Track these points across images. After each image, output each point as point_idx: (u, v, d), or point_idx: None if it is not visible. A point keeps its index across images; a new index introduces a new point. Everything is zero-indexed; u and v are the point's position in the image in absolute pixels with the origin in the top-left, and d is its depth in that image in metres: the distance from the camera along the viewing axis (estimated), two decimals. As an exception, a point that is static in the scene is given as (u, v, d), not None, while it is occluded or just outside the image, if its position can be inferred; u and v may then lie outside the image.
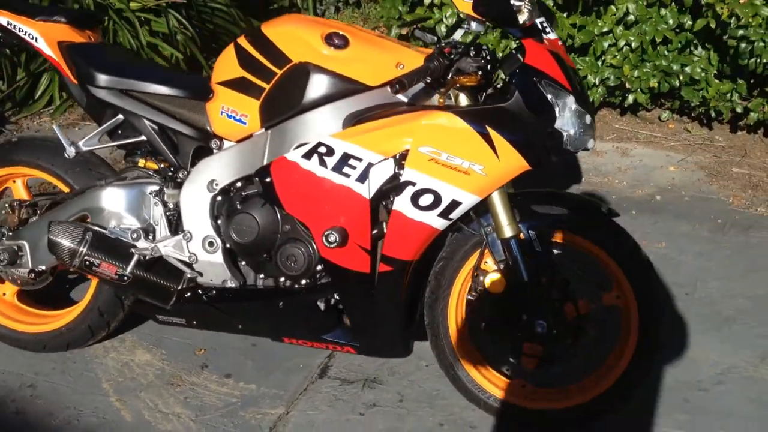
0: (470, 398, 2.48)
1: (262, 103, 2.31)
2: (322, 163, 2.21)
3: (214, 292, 2.46)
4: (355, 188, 2.20)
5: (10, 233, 2.61)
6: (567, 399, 2.44)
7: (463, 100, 2.22)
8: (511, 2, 2.02)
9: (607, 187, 4.11)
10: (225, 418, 2.51)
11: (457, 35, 2.22)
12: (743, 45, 3.97)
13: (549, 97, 2.10)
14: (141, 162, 2.55)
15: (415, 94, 2.26)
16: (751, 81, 4.27)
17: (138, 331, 2.90)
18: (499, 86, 2.29)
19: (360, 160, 2.18)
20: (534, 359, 2.38)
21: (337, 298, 2.40)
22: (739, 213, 3.85)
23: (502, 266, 2.30)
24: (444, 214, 2.18)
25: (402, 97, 2.25)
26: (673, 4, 4.19)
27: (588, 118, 2.17)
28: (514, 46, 2.30)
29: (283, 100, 2.28)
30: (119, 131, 2.52)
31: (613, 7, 4.24)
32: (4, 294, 2.80)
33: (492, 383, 2.46)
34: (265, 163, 2.32)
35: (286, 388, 2.65)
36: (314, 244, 2.31)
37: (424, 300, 2.45)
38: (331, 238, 2.21)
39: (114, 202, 2.48)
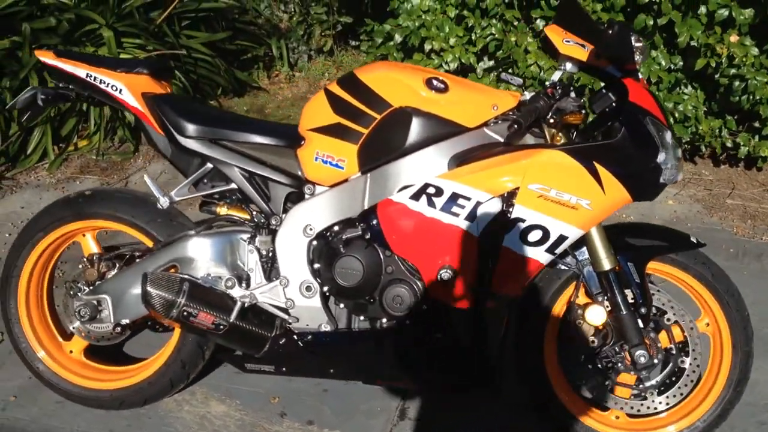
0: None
1: (360, 147, 2.34)
2: (431, 204, 2.26)
3: (310, 336, 2.46)
4: (464, 227, 2.25)
5: (89, 288, 2.55)
6: (661, 427, 2.50)
7: (559, 134, 2.30)
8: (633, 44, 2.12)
9: (617, 221, 4.23)
10: (320, 466, 2.50)
11: (555, 77, 2.30)
12: (737, 83, 4.21)
13: (653, 133, 2.20)
14: (219, 210, 2.54)
15: (509, 135, 2.33)
16: (735, 117, 4.50)
17: (206, 382, 2.85)
18: (586, 124, 2.38)
19: (468, 199, 2.24)
20: (628, 389, 2.45)
21: (436, 336, 2.41)
22: (747, 242, 4.03)
23: (599, 298, 2.36)
24: (551, 249, 2.24)
25: (498, 137, 2.32)
26: (662, 46, 4.38)
27: (679, 152, 2.28)
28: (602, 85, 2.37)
29: (384, 144, 2.32)
30: (205, 180, 2.52)
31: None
32: (71, 351, 2.72)
33: (587, 416, 2.51)
34: (365, 206, 2.35)
35: (370, 431, 2.64)
36: (419, 284, 2.34)
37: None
38: (446, 276, 2.25)
39: (205, 251, 2.46)
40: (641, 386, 2.44)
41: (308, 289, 2.42)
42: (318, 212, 2.40)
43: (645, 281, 2.38)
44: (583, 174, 2.19)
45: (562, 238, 2.23)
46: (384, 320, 2.42)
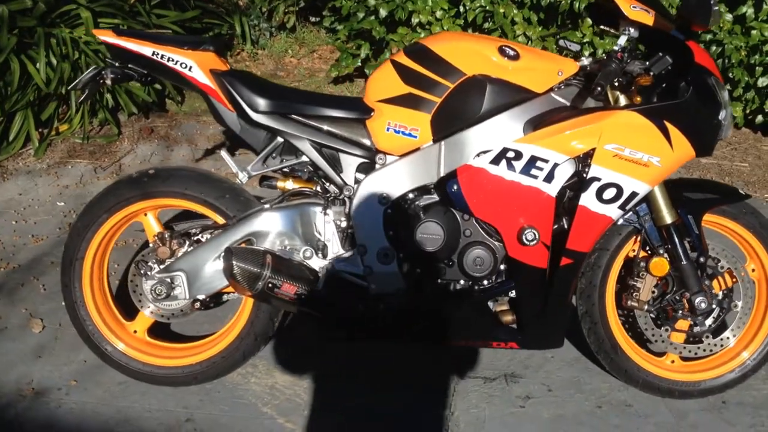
0: (627, 379, 2.68)
1: (433, 116, 2.42)
2: (511, 167, 2.36)
3: (388, 302, 2.53)
4: (542, 188, 2.36)
5: (160, 266, 2.56)
6: (713, 368, 2.68)
7: (622, 99, 2.43)
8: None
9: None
10: (400, 423, 2.59)
11: (621, 41, 2.41)
12: (713, 47, 4.43)
13: (716, 92, 2.34)
14: (280, 185, 2.58)
15: (573, 98, 2.45)
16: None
17: (262, 355, 2.88)
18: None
19: (546, 161, 2.35)
20: (683, 334, 2.62)
21: (510, 295, 2.53)
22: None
23: (661, 251, 2.51)
24: (623, 206, 2.38)
25: (564, 101, 2.43)
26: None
27: (731, 110, 2.43)
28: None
29: (459, 112, 2.41)
30: (273, 155, 2.55)
31: (588, 19, 4.57)
32: (135, 331, 2.72)
33: (647, 362, 2.66)
34: (442, 173, 2.43)
35: (438, 391, 2.75)
36: (498, 245, 2.44)
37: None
38: (530, 236, 2.36)
39: (280, 223, 2.50)
40: (696, 330, 2.61)
41: (386, 256, 2.49)
42: (392, 181, 2.47)
43: (702, 232, 2.54)
44: (655, 132, 2.33)
45: (633, 195, 2.37)
46: (461, 282, 2.52)
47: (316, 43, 6.41)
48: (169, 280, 2.54)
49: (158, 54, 2.47)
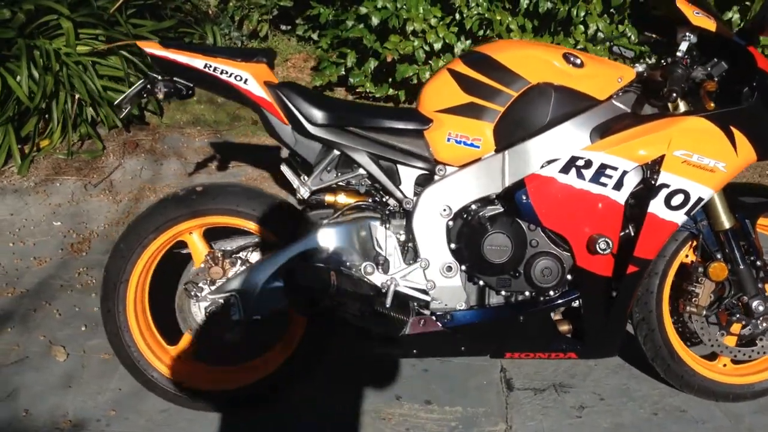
0: (682, 385, 2.68)
1: (496, 125, 2.38)
2: (580, 176, 2.33)
3: (449, 316, 2.48)
4: (612, 196, 2.35)
5: (213, 287, 2.45)
6: (766, 370, 2.70)
7: (681, 106, 2.43)
8: None
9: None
10: (459, 442, 2.53)
11: (683, 47, 2.41)
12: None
13: None
14: (329, 198, 2.50)
15: (633, 105, 2.44)
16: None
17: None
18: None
19: (616, 169, 2.33)
20: (735, 337, 2.63)
21: (574, 305, 2.50)
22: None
23: (718, 255, 2.52)
24: (689, 212, 2.38)
25: (624, 108, 2.43)
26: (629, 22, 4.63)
27: None
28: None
29: (524, 121, 2.37)
30: (328, 168, 2.47)
31: (581, 26, 4.61)
32: (179, 356, 2.60)
33: (702, 366, 2.67)
34: (506, 183, 2.39)
35: (489, 404, 2.71)
36: (566, 255, 2.41)
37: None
38: (603, 246, 2.34)
39: (339, 239, 2.42)
40: (749, 333, 2.62)
41: (449, 269, 2.44)
42: (454, 192, 2.42)
43: (757, 236, 2.56)
44: (722, 138, 2.33)
45: (699, 201, 2.37)
46: (526, 293, 2.48)
47: (288, 51, 6.31)
48: (222, 301, 2.43)
49: (211, 66, 2.37)
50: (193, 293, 2.46)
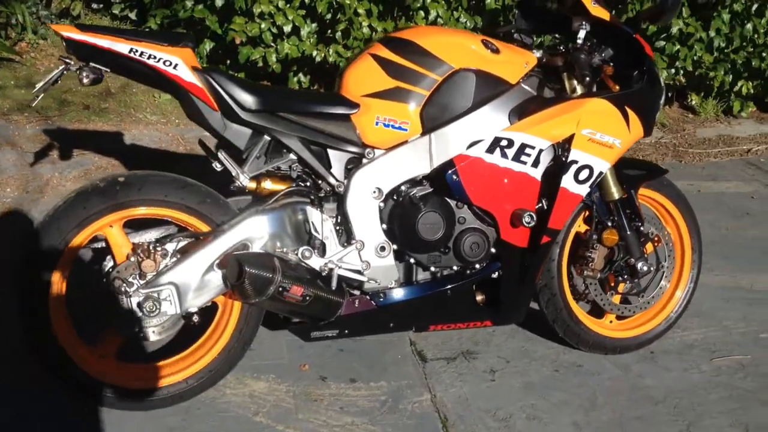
0: (579, 342, 2.95)
1: (423, 109, 2.49)
2: (504, 155, 2.50)
3: (382, 295, 2.56)
4: (530, 173, 2.54)
5: (143, 281, 2.36)
6: (644, 323, 3.03)
7: (579, 89, 2.67)
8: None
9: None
10: (394, 414, 2.63)
11: (581, 35, 2.63)
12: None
13: (660, 78, 2.67)
14: (261, 185, 2.49)
15: (537, 88, 2.65)
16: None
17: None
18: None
19: (533, 148, 2.53)
20: (619, 296, 2.95)
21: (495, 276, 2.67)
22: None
23: (609, 223, 2.80)
24: (591, 185, 2.62)
25: (531, 91, 2.63)
26: (463, 9, 4.91)
27: None
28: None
29: (449, 104, 2.50)
30: (258, 155, 2.45)
31: (422, 12, 4.82)
32: (102, 356, 2.48)
33: (595, 324, 2.95)
34: (435, 164, 2.51)
35: (410, 377, 2.82)
36: (492, 230, 2.58)
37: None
38: (527, 219, 2.52)
39: (275, 225, 2.42)
40: (633, 291, 2.94)
41: (382, 249, 2.52)
42: (384, 174, 2.50)
43: (638, 204, 2.86)
44: (619, 117, 2.60)
45: (600, 174, 2.62)
46: (454, 267, 2.62)
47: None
48: (156, 294, 2.35)
49: (137, 51, 2.26)
50: (122, 289, 2.35)
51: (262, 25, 4.60)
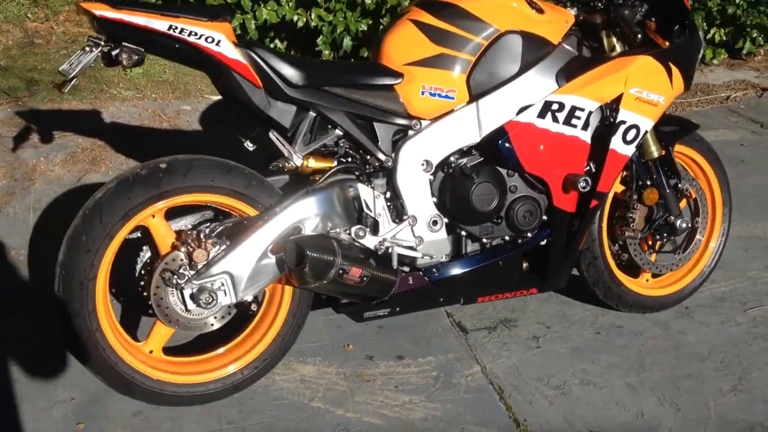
0: (619, 303, 2.92)
1: (469, 75, 2.40)
2: (555, 119, 2.44)
3: (434, 270, 2.49)
4: (581, 137, 2.49)
5: (193, 272, 2.24)
6: (680, 279, 3.03)
7: (617, 46, 2.61)
8: None
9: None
10: (449, 389, 2.58)
11: None
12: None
13: (699, 31, 2.62)
14: (289, 165, 2.38)
15: (577, 47, 2.59)
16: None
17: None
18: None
19: (583, 110, 2.47)
20: (655, 254, 2.93)
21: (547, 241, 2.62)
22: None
23: (648, 182, 2.76)
24: (637, 145, 2.58)
25: (573, 50, 2.56)
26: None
27: None
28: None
29: (496, 69, 2.42)
30: (306, 132, 2.34)
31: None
32: (151, 352, 2.36)
33: (634, 284, 2.94)
34: (483, 132, 2.43)
35: (455, 350, 2.78)
36: (543, 197, 2.52)
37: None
38: (583, 184, 2.46)
39: (326, 206, 2.32)
40: (670, 249, 2.93)
41: (435, 223, 2.44)
42: (432, 146, 2.42)
43: (675, 161, 2.83)
44: (663, 74, 2.56)
45: (645, 133, 2.58)
46: (506, 237, 2.55)
47: (58, 4, 5.72)
48: (210, 285, 2.24)
49: (176, 28, 2.11)
50: (174, 281, 2.23)
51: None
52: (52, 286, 2.20)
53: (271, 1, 4.56)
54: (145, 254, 2.36)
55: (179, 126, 4.37)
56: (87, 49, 2.15)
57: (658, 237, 2.87)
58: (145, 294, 2.34)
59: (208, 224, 2.31)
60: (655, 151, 2.74)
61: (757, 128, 5.03)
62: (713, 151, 3.00)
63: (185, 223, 2.37)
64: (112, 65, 2.12)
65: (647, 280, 3.01)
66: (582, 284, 2.90)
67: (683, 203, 2.91)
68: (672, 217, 2.82)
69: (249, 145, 2.44)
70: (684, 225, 2.83)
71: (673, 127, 2.86)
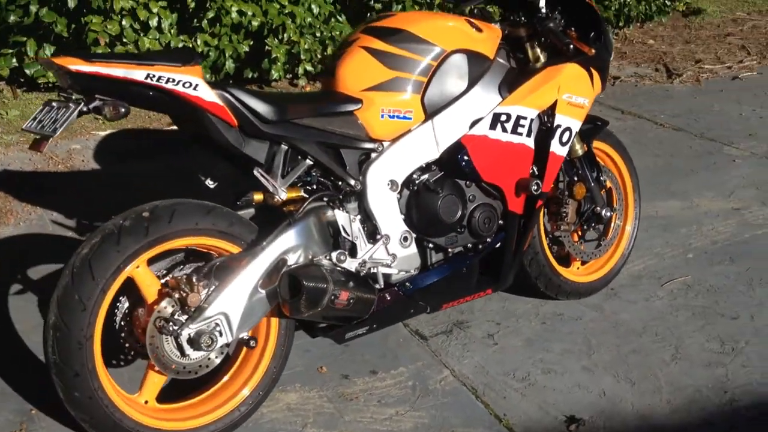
0: (559, 293, 3.16)
1: (423, 95, 2.53)
2: (504, 130, 2.63)
3: (408, 284, 2.60)
4: (526, 143, 2.69)
5: (186, 316, 2.23)
6: (604, 265, 3.30)
7: (541, 56, 2.83)
8: None
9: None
10: (428, 397, 2.69)
11: (542, 3, 2.76)
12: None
13: (609, 36, 2.89)
14: (257, 197, 2.45)
15: (507, 59, 2.78)
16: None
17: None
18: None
19: (526, 118, 2.67)
20: (583, 242, 3.19)
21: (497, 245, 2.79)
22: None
23: (576, 178, 3.01)
24: (570, 146, 2.80)
25: (505, 63, 2.76)
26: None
27: None
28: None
29: (447, 87, 2.57)
30: (280, 165, 2.39)
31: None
32: (146, 402, 2.33)
33: (571, 273, 3.18)
34: (441, 148, 2.58)
35: (422, 357, 2.89)
36: (499, 203, 2.69)
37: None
38: (535, 187, 2.65)
39: (307, 235, 2.38)
40: (597, 236, 3.19)
41: (405, 239, 2.56)
42: (395, 166, 2.54)
43: (595, 156, 3.09)
44: (587, 78, 2.81)
45: (575, 134, 2.81)
46: (469, 245, 2.71)
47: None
48: (206, 327, 2.24)
49: (154, 76, 2.11)
50: (170, 329, 2.21)
51: (123, 22, 4.33)
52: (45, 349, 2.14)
53: (153, 30, 4.50)
54: (124, 304, 2.33)
55: (75, 166, 4.23)
56: (55, 104, 2.10)
57: (585, 227, 3.11)
58: (127, 345, 2.32)
59: (192, 267, 2.31)
60: (579, 149, 2.98)
61: (619, 114, 5.48)
62: (621, 143, 3.29)
63: (158, 267, 2.36)
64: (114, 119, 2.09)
65: (578, 268, 3.26)
66: (516, 279, 3.09)
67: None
68: (598, 208, 3.07)
69: (210, 183, 2.46)
70: (608, 213, 3.10)
71: (588, 125, 3.11)
